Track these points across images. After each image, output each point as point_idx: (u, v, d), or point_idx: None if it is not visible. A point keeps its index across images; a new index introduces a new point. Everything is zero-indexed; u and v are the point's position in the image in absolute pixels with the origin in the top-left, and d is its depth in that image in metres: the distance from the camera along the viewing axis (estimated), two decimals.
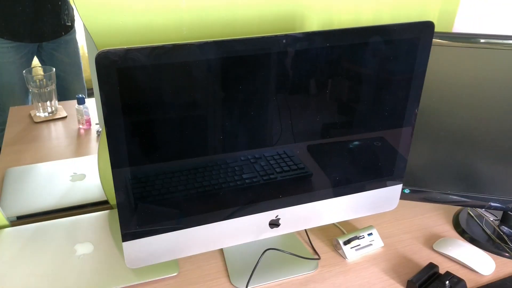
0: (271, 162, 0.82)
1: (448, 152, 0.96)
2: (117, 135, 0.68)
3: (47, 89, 1.07)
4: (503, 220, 1.04)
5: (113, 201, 1.07)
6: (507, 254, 0.96)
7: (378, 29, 0.76)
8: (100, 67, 0.62)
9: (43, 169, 1.11)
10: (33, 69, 1.02)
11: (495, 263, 0.93)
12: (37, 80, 1.04)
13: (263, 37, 0.69)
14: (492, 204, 0.98)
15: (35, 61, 1.02)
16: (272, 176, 0.82)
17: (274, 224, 0.86)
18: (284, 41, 0.70)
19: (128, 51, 0.62)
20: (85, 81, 1.11)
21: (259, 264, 0.91)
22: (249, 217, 0.84)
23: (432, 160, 0.97)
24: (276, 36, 0.70)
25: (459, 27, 1.13)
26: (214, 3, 0.89)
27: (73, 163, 1.13)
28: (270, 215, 0.85)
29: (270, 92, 0.74)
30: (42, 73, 1.03)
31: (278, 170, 0.82)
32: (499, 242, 0.98)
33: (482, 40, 0.86)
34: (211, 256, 0.94)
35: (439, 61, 0.89)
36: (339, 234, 1.01)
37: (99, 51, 0.61)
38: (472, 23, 1.13)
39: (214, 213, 0.81)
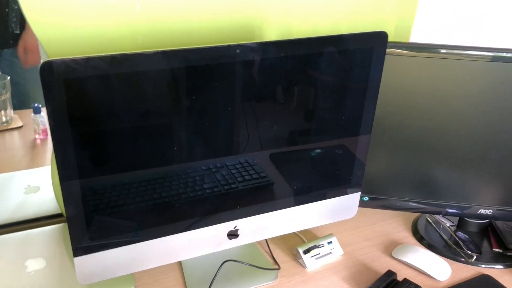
0: (233, 171, 0.81)
1: (405, 160, 0.97)
2: (65, 148, 0.65)
3: (1, 97, 1.03)
4: (459, 226, 1.07)
5: None
6: (463, 260, 0.98)
7: (332, 39, 0.77)
8: (45, 78, 0.60)
9: None
10: None
11: (451, 269, 0.95)
12: None
13: (216, 47, 0.68)
14: (449, 210, 1.00)
15: None
16: (233, 186, 0.81)
17: (232, 234, 0.85)
18: (237, 51, 0.70)
19: (74, 61, 0.61)
20: None
21: (217, 276, 0.89)
22: (207, 228, 0.82)
23: (390, 168, 0.99)
24: (229, 46, 0.69)
25: (415, 38, 1.15)
26: (169, 13, 0.88)
27: (27, 174, 1.09)
28: (229, 226, 0.84)
29: (226, 101, 0.73)
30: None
31: (239, 179, 0.82)
32: (455, 247, 1.00)
33: (439, 50, 0.88)
34: (168, 269, 0.92)
35: (396, 71, 0.90)
36: (299, 243, 1.01)
37: (43, 61, 0.59)
38: (428, 34, 1.16)
39: (171, 225, 0.79)
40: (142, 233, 0.77)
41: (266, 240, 1.01)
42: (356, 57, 0.80)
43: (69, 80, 0.61)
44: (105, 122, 0.66)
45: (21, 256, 0.90)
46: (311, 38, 0.75)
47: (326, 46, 0.76)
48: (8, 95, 1.03)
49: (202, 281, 0.89)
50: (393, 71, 0.90)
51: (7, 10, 0.83)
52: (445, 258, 0.98)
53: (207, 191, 0.80)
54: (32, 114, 1.07)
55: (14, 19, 0.83)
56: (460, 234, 1.04)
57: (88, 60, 0.61)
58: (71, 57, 0.60)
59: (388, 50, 0.88)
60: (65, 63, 0.60)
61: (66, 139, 0.65)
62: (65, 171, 0.67)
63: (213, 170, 0.79)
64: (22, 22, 0.84)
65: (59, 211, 1.05)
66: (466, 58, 0.87)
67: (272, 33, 1.00)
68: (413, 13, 1.13)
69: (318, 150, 0.86)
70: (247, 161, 0.81)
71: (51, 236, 0.96)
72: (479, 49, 0.87)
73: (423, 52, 0.88)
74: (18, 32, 0.85)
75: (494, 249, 1.01)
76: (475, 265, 0.97)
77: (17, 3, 0.75)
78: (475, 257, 0.97)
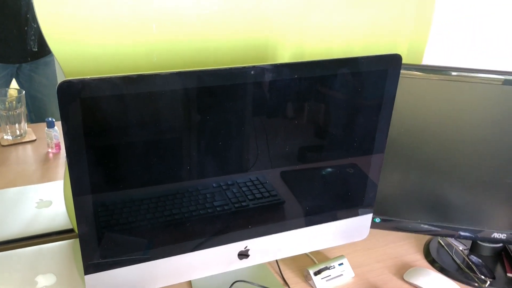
0: (244, 189, 0.81)
1: (418, 182, 0.97)
2: (80, 165, 0.66)
3: (16, 111, 1.05)
4: (472, 249, 1.05)
5: None
6: (476, 284, 0.96)
7: (347, 62, 0.77)
8: (63, 97, 0.61)
9: (8, 195, 1.07)
10: (9, 90, 1.00)
11: None
12: (7, 103, 1.02)
13: (230, 68, 0.69)
14: (462, 233, 0.99)
15: (13, 83, 1.00)
16: (244, 204, 0.81)
17: (243, 254, 0.85)
18: (252, 72, 0.70)
19: (91, 81, 0.61)
20: None
21: None
22: (218, 248, 0.82)
23: (403, 190, 0.98)
24: (244, 67, 0.70)
25: (428, 60, 1.15)
26: (185, 32, 0.89)
27: (40, 189, 1.10)
28: (239, 246, 0.84)
29: (239, 121, 0.74)
30: (16, 94, 1.02)
31: (250, 197, 0.82)
32: (468, 271, 0.99)
33: (451, 73, 0.88)
34: None
35: (410, 92, 0.90)
36: (310, 264, 1.00)
37: (61, 81, 0.60)
38: (441, 57, 1.16)
39: (182, 244, 0.79)
40: (153, 251, 0.77)
41: (276, 260, 1.00)
42: (371, 79, 0.80)
43: (86, 99, 0.62)
44: (119, 140, 0.67)
45: (31, 271, 0.90)
46: (326, 60, 0.75)
47: (341, 68, 0.77)
48: (22, 109, 1.04)
49: None
50: (406, 93, 0.90)
51: (26, 28, 0.84)
52: (457, 282, 0.96)
53: (218, 209, 0.79)
54: (46, 128, 1.09)
55: (33, 37, 0.85)
56: (473, 258, 1.02)
57: (104, 80, 0.62)
58: (88, 77, 0.61)
59: (401, 72, 0.88)
60: (82, 82, 0.61)
61: (80, 156, 0.65)
62: (78, 188, 0.67)
63: (223, 187, 0.79)
64: (40, 40, 0.86)
65: (70, 226, 1.05)
66: (478, 81, 0.87)
67: (286, 53, 1.00)
68: (426, 34, 1.13)
69: (330, 169, 0.86)
70: (257, 179, 0.81)
71: (62, 251, 0.96)
72: (490, 72, 0.87)
73: (435, 74, 0.88)
74: (36, 50, 0.87)
75: (508, 274, 0.99)
76: None
77: (36, 22, 0.76)
78: (488, 282, 0.96)
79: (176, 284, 0.92)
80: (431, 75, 0.89)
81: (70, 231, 1.05)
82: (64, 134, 0.63)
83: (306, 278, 0.96)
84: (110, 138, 0.66)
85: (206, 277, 0.94)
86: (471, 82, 0.88)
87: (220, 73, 0.68)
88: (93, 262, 0.73)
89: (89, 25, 0.81)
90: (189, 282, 0.93)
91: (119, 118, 0.65)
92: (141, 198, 0.73)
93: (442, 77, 0.88)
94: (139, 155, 0.69)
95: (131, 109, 0.66)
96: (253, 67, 0.70)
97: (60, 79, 0.91)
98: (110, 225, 0.72)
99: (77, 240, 1.01)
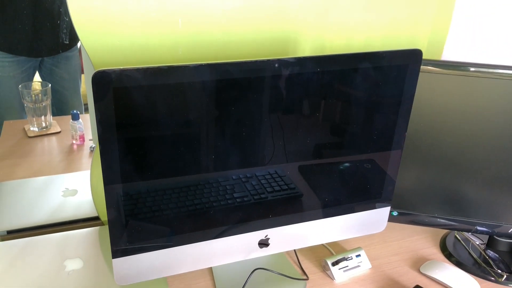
0: (262, 181, 0.83)
1: (436, 176, 0.98)
2: (111, 153, 0.69)
3: (42, 104, 1.08)
4: (489, 244, 1.06)
5: (104, 217, 1.08)
6: (492, 278, 0.97)
7: (368, 56, 0.78)
8: (97, 86, 0.64)
9: (35, 183, 1.11)
10: (33, 84, 1.04)
11: (481, 287, 0.94)
12: (33, 95, 1.05)
13: (255, 61, 0.71)
14: (479, 228, 1.00)
15: (37, 77, 1.04)
16: (263, 196, 0.83)
17: (263, 244, 0.87)
18: (276, 65, 0.73)
19: (124, 71, 0.64)
20: (81, 96, 1.12)
21: (247, 283, 0.91)
22: (238, 236, 0.85)
23: (420, 184, 0.99)
24: (268, 60, 0.72)
25: (447, 55, 1.16)
26: (210, 26, 0.91)
27: (65, 178, 1.13)
28: (260, 234, 0.86)
29: (263, 114, 0.76)
30: (39, 88, 1.05)
31: (269, 189, 0.84)
32: (485, 266, 1.00)
33: (470, 69, 0.89)
34: (200, 275, 0.94)
35: (429, 88, 0.92)
36: (327, 255, 1.02)
37: (96, 70, 0.63)
38: (460, 52, 1.16)
39: (204, 231, 0.81)
40: (176, 238, 0.80)
41: (295, 251, 1.02)
42: (391, 74, 0.81)
43: (118, 89, 0.65)
44: (148, 129, 0.70)
45: (60, 256, 0.94)
46: (347, 54, 0.77)
47: (362, 62, 0.78)
48: (48, 102, 1.08)
49: (232, 287, 0.90)
50: (425, 88, 0.92)
51: (59, 22, 0.88)
52: (474, 276, 0.97)
53: (238, 200, 0.82)
54: (71, 121, 1.12)
55: (65, 30, 0.88)
56: (490, 252, 1.03)
57: (137, 71, 0.65)
58: (121, 67, 0.64)
59: (420, 67, 0.90)
60: (115, 72, 0.64)
61: (112, 144, 0.68)
62: (109, 175, 0.70)
63: (243, 180, 0.81)
64: (71, 33, 0.89)
65: (96, 214, 1.08)
66: (497, 77, 0.88)
67: (306, 47, 1.02)
68: (446, 29, 1.14)
69: (347, 164, 0.87)
70: (276, 172, 0.83)
71: (88, 238, 1.00)
72: (510, 68, 0.88)
73: (454, 70, 0.89)
74: (67, 42, 0.90)
75: None
76: (505, 285, 0.96)
77: (68, 16, 0.79)
78: (505, 276, 0.96)
79: (198, 270, 0.95)
80: (450, 70, 0.90)
81: (96, 218, 1.08)
82: (98, 122, 0.66)
83: (324, 268, 0.98)
84: (139, 127, 0.69)
85: (226, 265, 0.96)
86: (490, 78, 0.89)
87: (246, 66, 0.71)
88: (121, 248, 0.76)
89: (118, 18, 0.84)
90: (210, 270, 0.96)
91: (149, 108, 0.68)
92: (166, 187, 0.75)
93: (461, 73, 0.89)
94: (165, 145, 0.72)
95: (160, 99, 0.68)
96: (278, 60, 0.72)
97: (86, 71, 0.94)
98: (137, 213, 0.75)
99: (103, 227, 1.04)
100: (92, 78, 0.63)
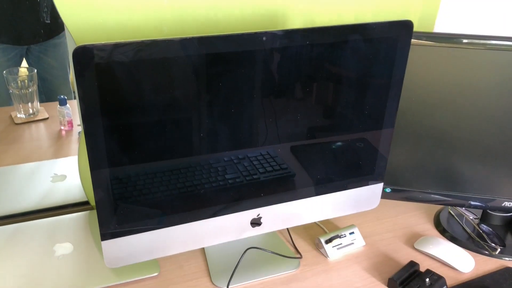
0: (255, 162, 0.82)
1: (428, 152, 0.97)
2: (96, 133, 0.67)
3: (28, 90, 1.06)
4: (483, 219, 1.06)
5: (93, 201, 1.06)
6: (486, 252, 0.97)
7: (357, 28, 0.77)
8: (78, 63, 0.62)
9: (24, 170, 1.09)
10: (19, 69, 1.01)
11: (475, 261, 0.94)
12: (19, 81, 1.03)
13: (243, 34, 0.69)
14: (472, 203, 1.00)
15: (24, 64, 1.01)
16: (255, 177, 0.82)
17: (255, 223, 0.86)
18: (264, 38, 0.71)
19: (106, 46, 0.62)
20: (71, 84, 1.10)
21: (240, 263, 0.90)
22: (230, 215, 0.83)
23: (413, 160, 0.98)
24: (256, 33, 0.70)
25: (440, 28, 1.14)
26: (195, 2, 0.89)
27: (54, 164, 1.12)
28: (252, 213, 0.85)
29: (251, 90, 0.74)
30: (26, 73, 1.03)
31: (261, 170, 0.82)
32: (479, 240, 0.99)
33: (463, 40, 0.88)
34: (192, 256, 0.93)
35: (419, 62, 0.90)
36: (321, 233, 1.01)
37: (76, 46, 0.61)
38: (452, 24, 1.15)
39: (195, 212, 0.80)
40: (167, 219, 0.79)
41: (288, 229, 1.01)
42: (381, 47, 0.80)
43: (100, 65, 0.63)
44: (134, 108, 0.68)
45: (49, 241, 0.93)
46: (336, 26, 0.75)
47: (351, 34, 0.77)
48: (35, 88, 1.05)
49: (224, 268, 0.90)
50: (417, 62, 0.90)
51: (38, 0, 0.85)
52: (468, 251, 0.97)
53: (229, 181, 0.81)
54: (58, 106, 1.10)
55: (45, 9, 0.86)
56: (484, 227, 1.03)
57: (118, 46, 0.63)
58: (102, 42, 0.62)
59: (412, 40, 0.88)
60: (97, 48, 0.62)
61: (97, 123, 0.66)
62: (95, 156, 0.68)
63: (235, 161, 0.80)
64: (52, 11, 0.86)
65: (85, 199, 1.07)
66: (490, 48, 0.87)
67: (296, 21, 1.00)
68: (438, 1, 1.12)
69: (339, 143, 0.86)
70: (268, 153, 0.82)
71: (78, 222, 0.99)
72: (503, 39, 0.86)
73: (446, 42, 0.88)
74: (49, 21, 0.87)
75: None
76: (499, 258, 0.96)
77: None
78: (499, 249, 0.96)
79: (190, 252, 0.94)
80: (442, 43, 0.88)
81: (85, 203, 1.07)
82: (80, 100, 0.64)
83: (317, 246, 0.97)
84: (124, 105, 0.67)
85: (219, 245, 0.95)
86: (483, 49, 0.87)
87: (233, 39, 0.69)
88: (110, 231, 0.75)
89: None
90: (203, 250, 0.95)
91: (133, 85, 0.66)
92: (155, 170, 0.74)
93: (453, 45, 0.88)
94: (152, 125, 0.70)
95: (144, 75, 0.66)
96: (265, 32, 0.70)
97: (70, 52, 0.92)
98: (125, 195, 0.74)
99: (92, 211, 1.03)
100: (73, 53, 0.61)
